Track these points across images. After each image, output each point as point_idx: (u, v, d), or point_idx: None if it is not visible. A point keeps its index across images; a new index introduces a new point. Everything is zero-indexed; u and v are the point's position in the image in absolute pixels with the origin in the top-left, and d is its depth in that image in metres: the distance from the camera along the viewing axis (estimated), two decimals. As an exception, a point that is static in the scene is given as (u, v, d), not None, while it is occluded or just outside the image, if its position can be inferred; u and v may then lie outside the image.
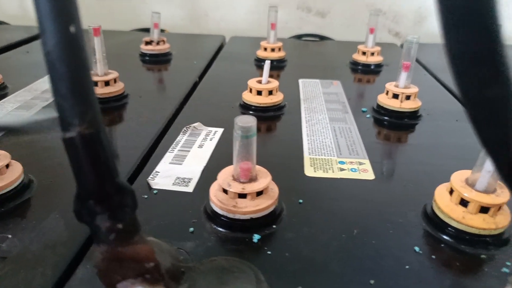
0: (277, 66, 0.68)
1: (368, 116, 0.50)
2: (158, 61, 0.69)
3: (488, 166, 0.28)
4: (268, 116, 0.49)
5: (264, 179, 0.30)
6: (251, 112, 0.49)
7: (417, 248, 0.28)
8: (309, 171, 0.37)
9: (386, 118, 0.49)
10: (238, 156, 0.30)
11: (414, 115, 0.49)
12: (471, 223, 0.28)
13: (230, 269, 0.22)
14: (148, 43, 0.69)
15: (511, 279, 0.23)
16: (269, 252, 0.28)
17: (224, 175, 0.31)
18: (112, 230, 0.19)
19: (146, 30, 0.85)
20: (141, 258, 0.19)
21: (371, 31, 0.66)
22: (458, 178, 0.30)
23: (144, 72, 0.66)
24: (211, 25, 0.98)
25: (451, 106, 0.54)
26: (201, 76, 0.63)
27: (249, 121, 0.29)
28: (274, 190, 0.31)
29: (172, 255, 0.21)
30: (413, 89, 0.48)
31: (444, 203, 0.30)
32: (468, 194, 0.29)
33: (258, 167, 0.32)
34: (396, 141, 0.45)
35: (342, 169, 0.38)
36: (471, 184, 0.29)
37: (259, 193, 0.30)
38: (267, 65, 0.49)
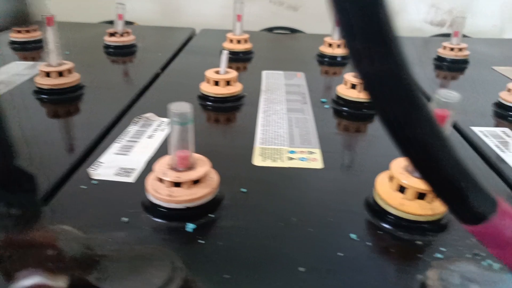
0: (243, 58, 0.67)
1: (326, 106, 0.49)
2: (122, 53, 0.68)
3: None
4: (227, 107, 0.48)
5: (202, 167, 0.30)
6: (209, 103, 0.49)
7: (353, 236, 0.28)
8: (257, 161, 0.37)
9: (345, 108, 0.48)
10: (175, 144, 0.29)
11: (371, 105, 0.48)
12: (408, 210, 0.28)
13: (145, 256, 0.21)
14: (112, 34, 0.67)
15: (435, 264, 0.23)
16: (201, 241, 0.27)
17: (161, 164, 0.30)
18: (9, 216, 0.18)
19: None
20: (42, 245, 0.19)
21: (337, 23, 0.65)
22: (398, 165, 0.30)
23: (107, 64, 0.65)
24: (184, 19, 0.97)
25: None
26: (165, 68, 0.62)
27: (184, 107, 0.28)
28: (214, 179, 0.30)
29: (82, 243, 0.20)
30: (371, 79, 0.47)
31: (383, 190, 0.29)
32: (405, 180, 0.28)
33: (197, 155, 0.31)
34: (353, 131, 0.45)
35: (291, 158, 0.37)
36: (410, 171, 0.29)
37: (196, 182, 0.29)
38: (224, 55, 0.48)
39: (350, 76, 0.48)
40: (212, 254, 0.26)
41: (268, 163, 0.36)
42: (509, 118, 0.48)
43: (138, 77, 0.58)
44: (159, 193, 0.29)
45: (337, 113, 0.48)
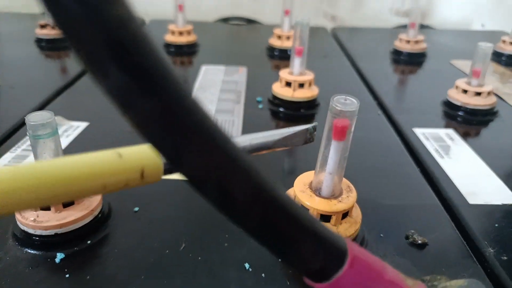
0: (187, 52, 0.63)
1: (260, 106, 0.45)
2: (56, 47, 0.62)
3: (330, 167, 0.24)
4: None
5: (77, 186, 0.26)
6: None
7: (247, 265, 0.24)
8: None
9: (281, 109, 0.44)
10: (41, 159, 0.25)
11: (310, 105, 0.45)
12: (310, 234, 0.24)
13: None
14: (43, 26, 0.62)
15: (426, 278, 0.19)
16: (67, 275, 0.23)
17: (30, 182, 0.26)
18: None
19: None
20: None
21: (286, 12, 0.61)
22: (302, 181, 0.26)
23: (35, 59, 0.60)
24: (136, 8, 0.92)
25: (362, 94, 0.50)
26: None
27: (44, 117, 0.24)
28: (94, 198, 0.26)
29: None
30: (307, 76, 0.44)
31: (286, 210, 0.26)
32: (307, 200, 0.25)
33: (77, 171, 0.27)
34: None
35: (204, 169, 0.33)
36: (315, 188, 0.25)
37: (70, 204, 0.25)
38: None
39: (285, 73, 0.44)
40: (74, 291, 0.22)
41: (175, 176, 0.32)
42: (458, 119, 0.45)
43: (64, 74, 0.53)
44: (24, 217, 0.25)
45: (273, 114, 0.44)
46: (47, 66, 0.58)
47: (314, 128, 0.21)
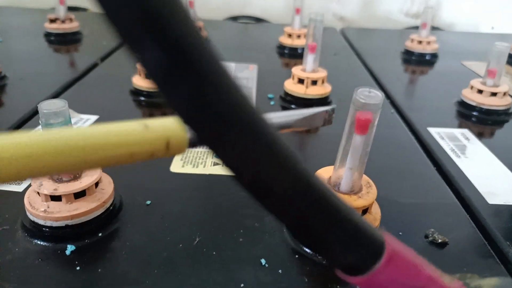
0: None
1: (272, 103, 0.45)
2: (65, 41, 0.62)
3: (350, 162, 0.23)
4: (155, 103, 0.43)
5: (89, 177, 0.25)
6: (142, 98, 0.44)
7: (263, 261, 0.23)
8: (175, 167, 0.32)
9: (292, 106, 0.44)
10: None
11: (323, 102, 0.44)
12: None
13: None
14: (52, 21, 0.62)
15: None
16: (78, 268, 0.22)
17: (41, 173, 0.25)
18: None
19: (72, 9, 0.77)
20: None
21: (297, 11, 0.60)
22: (320, 177, 0.25)
23: (44, 52, 0.59)
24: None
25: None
26: (105, 58, 0.57)
27: (57, 106, 0.23)
28: (105, 190, 0.26)
29: None
30: (321, 74, 0.43)
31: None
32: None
33: (89, 162, 0.26)
34: (296, 132, 0.40)
35: (217, 164, 0.32)
36: (333, 183, 0.25)
37: (81, 195, 0.25)
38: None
39: (298, 70, 0.43)
40: (86, 284, 0.21)
41: (188, 169, 0.32)
42: (472, 119, 0.44)
43: (73, 67, 0.53)
44: (34, 208, 0.24)
45: (285, 110, 0.44)
46: (56, 60, 0.57)
47: (333, 110, 0.21)
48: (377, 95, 0.21)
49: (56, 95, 0.44)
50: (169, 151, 0.16)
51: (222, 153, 0.10)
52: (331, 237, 0.11)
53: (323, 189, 0.11)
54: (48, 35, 0.63)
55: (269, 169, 0.10)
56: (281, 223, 0.11)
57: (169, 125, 0.12)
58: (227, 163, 0.10)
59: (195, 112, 0.10)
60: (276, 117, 0.20)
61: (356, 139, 0.22)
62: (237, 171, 0.10)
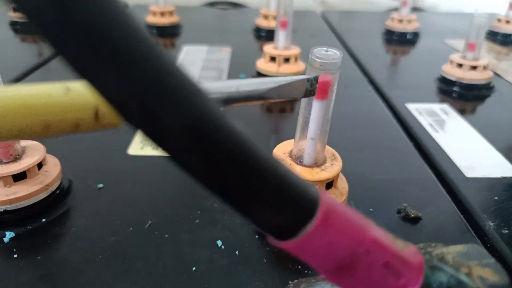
0: (168, 33, 0.60)
1: (243, 83, 0.43)
2: (31, 30, 0.59)
3: (312, 132, 0.21)
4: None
5: (30, 158, 0.23)
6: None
7: (219, 242, 0.21)
8: (134, 149, 0.30)
9: (265, 85, 0.42)
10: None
11: (297, 82, 0.42)
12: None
13: None
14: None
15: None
16: (15, 256, 0.20)
17: (-23, 155, 0.23)
18: None
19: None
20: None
21: None
22: (281, 150, 0.23)
23: (7, 41, 0.57)
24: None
25: (351, 70, 0.48)
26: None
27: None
28: (50, 173, 0.24)
29: None
30: (293, 51, 0.41)
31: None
32: (287, 169, 0.22)
33: (31, 142, 0.24)
34: (267, 111, 0.38)
35: (179, 145, 0.30)
36: (295, 156, 0.23)
37: (21, 177, 0.23)
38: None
39: (269, 48, 0.41)
40: (23, 274, 0.19)
41: (146, 152, 0.30)
42: (453, 94, 0.42)
43: (39, 56, 0.51)
44: (-32, 193, 0.22)
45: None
46: (22, 48, 0.55)
47: (316, 79, 0.18)
48: (335, 54, 0.19)
49: (19, 79, 0.42)
50: (99, 122, 0.14)
51: (101, 77, 0.08)
52: (250, 192, 0.10)
53: (239, 135, 0.09)
54: (13, 23, 0.60)
55: (161, 98, 0.08)
56: (188, 173, 0.09)
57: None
58: (105, 90, 0.08)
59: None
60: (245, 84, 0.18)
61: (316, 106, 0.20)
62: (119, 100, 0.08)
